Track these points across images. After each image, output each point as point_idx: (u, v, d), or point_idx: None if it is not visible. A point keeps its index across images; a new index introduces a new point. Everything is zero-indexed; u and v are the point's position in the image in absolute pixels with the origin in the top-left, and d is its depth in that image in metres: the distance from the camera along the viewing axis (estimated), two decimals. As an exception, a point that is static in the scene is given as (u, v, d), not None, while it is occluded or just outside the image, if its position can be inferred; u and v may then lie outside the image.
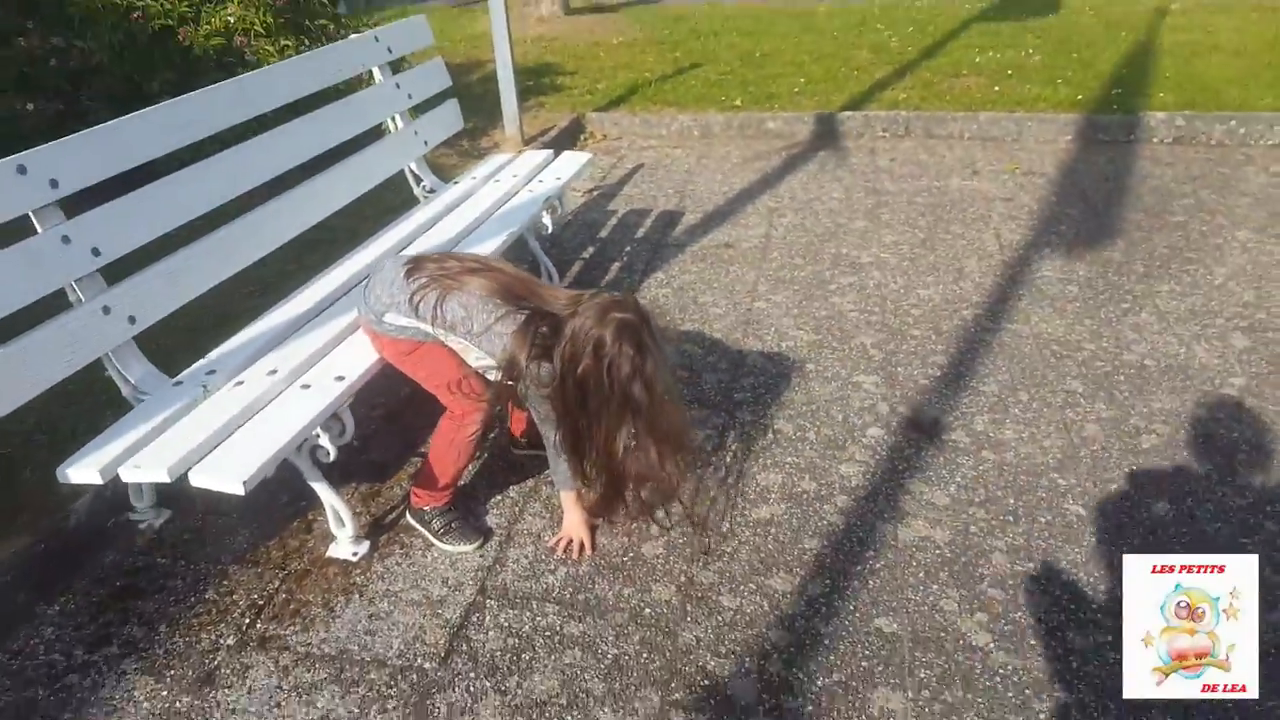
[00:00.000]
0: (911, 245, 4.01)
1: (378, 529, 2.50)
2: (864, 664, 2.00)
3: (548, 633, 2.13)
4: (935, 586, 2.18)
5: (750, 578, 2.25)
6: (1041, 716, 1.85)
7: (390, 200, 3.85)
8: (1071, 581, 2.17)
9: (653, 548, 2.37)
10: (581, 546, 2.37)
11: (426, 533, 2.43)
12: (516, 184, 3.58)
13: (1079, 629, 2.04)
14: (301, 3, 4.75)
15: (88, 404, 2.79)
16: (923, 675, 1.96)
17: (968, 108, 5.52)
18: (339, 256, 3.01)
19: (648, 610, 2.17)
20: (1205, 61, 6.14)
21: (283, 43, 4.65)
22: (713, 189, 4.85)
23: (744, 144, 5.58)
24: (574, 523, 2.38)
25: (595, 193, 4.95)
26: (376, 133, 3.51)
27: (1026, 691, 1.91)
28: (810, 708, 1.90)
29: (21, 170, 2.13)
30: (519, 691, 1.98)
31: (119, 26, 4.41)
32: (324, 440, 2.26)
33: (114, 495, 2.52)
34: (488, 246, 3.03)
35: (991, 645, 2.02)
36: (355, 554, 2.39)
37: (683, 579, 2.26)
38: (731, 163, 5.26)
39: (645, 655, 2.05)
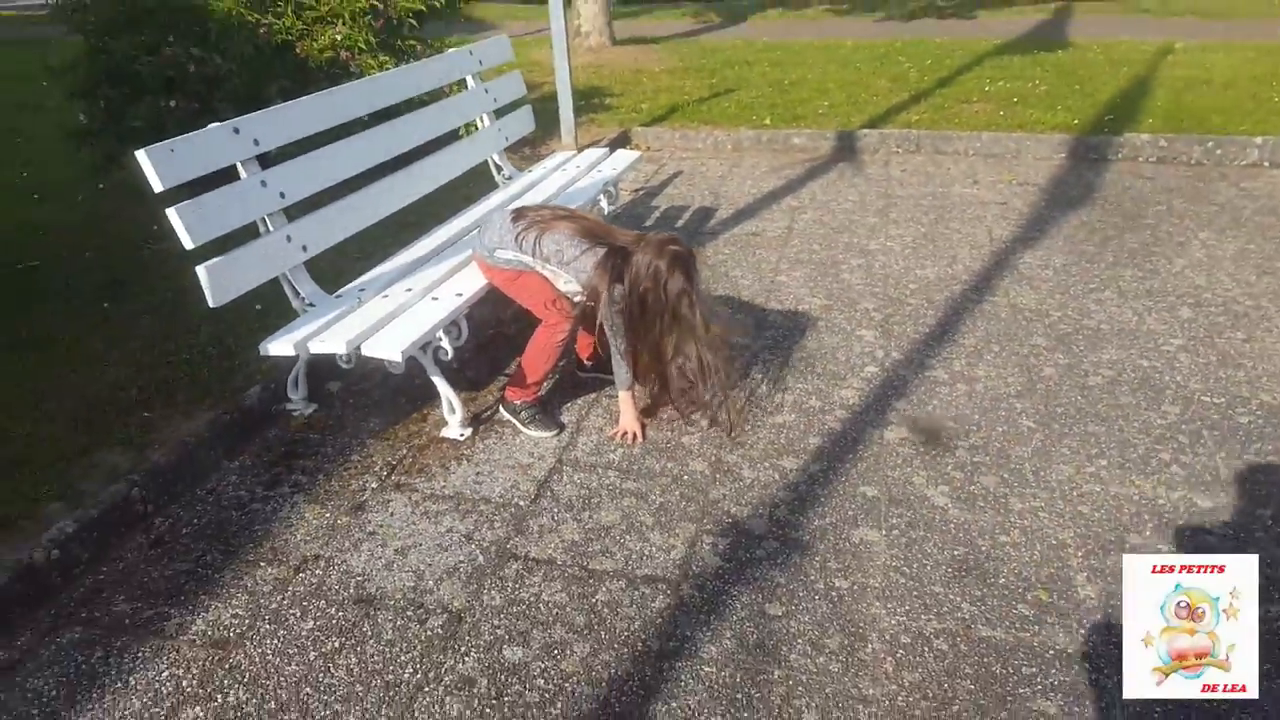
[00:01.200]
0: (914, 237, 4.69)
1: (476, 422, 3.20)
2: (850, 514, 2.66)
3: (610, 488, 2.81)
4: (909, 469, 2.84)
5: (765, 459, 2.92)
6: (981, 547, 2.50)
7: (477, 183, 4.59)
8: (1017, 469, 2.82)
9: (690, 438, 3.05)
10: (635, 436, 3.05)
11: (516, 421, 3.13)
12: (579, 173, 4.33)
13: (1020, 496, 2.69)
14: (394, 25, 5.55)
15: (245, 326, 3.55)
16: (894, 521, 2.62)
17: (974, 129, 6.21)
18: (446, 218, 3.76)
19: (685, 477, 2.85)
20: (1196, 93, 6.79)
21: (381, 58, 5.45)
22: (743, 191, 5.57)
23: (771, 156, 6.30)
24: (629, 418, 3.06)
25: (640, 193, 5.68)
26: (469, 129, 4.27)
27: (973, 534, 2.56)
28: (807, 538, 2.57)
29: (235, 131, 2.89)
30: (590, 520, 2.66)
31: (249, 40, 5.22)
32: (444, 342, 2.98)
33: (276, 390, 3.25)
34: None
35: (949, 505, 2.68)
36: (462, 435, 3.09)
37: (713, 458, 2.94)
38: (760, 171, 5.97)
39: (683, 503, 2.73)
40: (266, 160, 3.04)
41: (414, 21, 5.65)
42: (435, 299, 2.99)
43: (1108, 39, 9.17)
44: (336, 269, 3.53)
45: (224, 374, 3.36)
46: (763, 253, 4.58)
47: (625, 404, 3.07)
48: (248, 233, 2.97)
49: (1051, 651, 2.15)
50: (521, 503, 2.76)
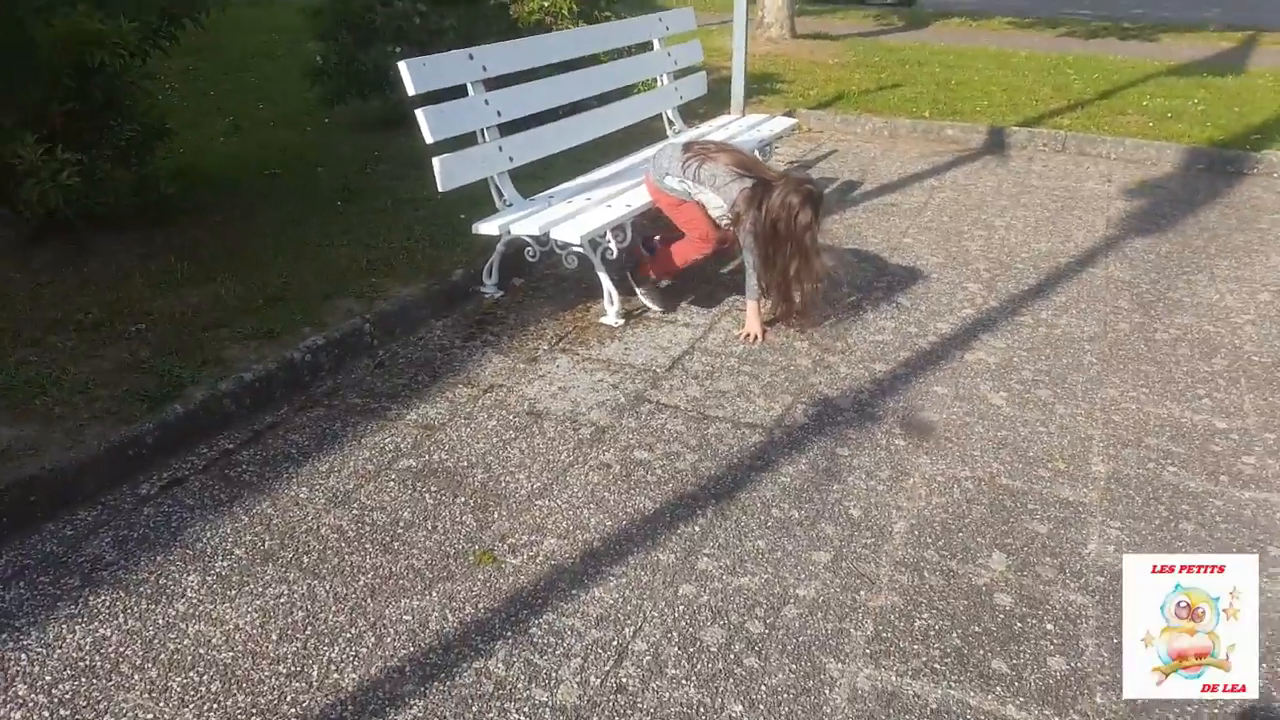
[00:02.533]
0: (1038, 219, 5.14)
1: (629, 316, 3.97)
2: (919, 402, 3.27)
3: (730, 369, 3.52)
4: (979, 382, 3.41)
5: (861, 362, 3.56)
6: (1021, 433, 3.06)
7: (650, 134, 5.38)
8: (1070, 388, 3.34)
9: (801, 343, 3.72)
10: (756, 338, 3.73)
11: (637, 286, 3.91)
12: (740, 129, 5.05)
13: (1065, 404, 3.22)
14: (593, -3, 6.45)
15: (451, 226, 4.46)
16: (954, 411, 3.21)
17: (1121, 135, 6.51)
18: (620, 156, 4.57)
19: (791, 368, 3.53)
20: (1359, 122, 6.81)
21: (579, 24, 6.34)
22: (890, 170, 6.12)
23: (924, 144, 6.80)
24: (754, 323, 3.74)
25: (795, 164, 6.32)
26: (647, 85, 5.08)
27: (1018, 425, 3.12)
28: (880, 413, 3.19)
29: (470, 57, 3.78)
30: (710, 386, 3.38)
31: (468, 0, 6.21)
32: (611, 243, 3.76)
33: (474, 274, 4.13)
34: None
35: (1004, 404, 3.24)
36: (618, 322, 3.87)
37: (817, 356, 3.60)
38: (910, 156, 6.50)
39: (785, 381, 3.41)
40: (492, 84, 3.91)
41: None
42: (609, 206, 3.78)
43: (1289, 67, 9.06)
44: (536, 179, 4.39)
45: (434, 259, 4.27)
46: (896, 220, 5.16)
47: (751, 312, 3.75)
48: (470, 141, 3.85)
49: (1055, 498, 2.71)
50: (658, 370, 3.51)
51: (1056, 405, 3.24)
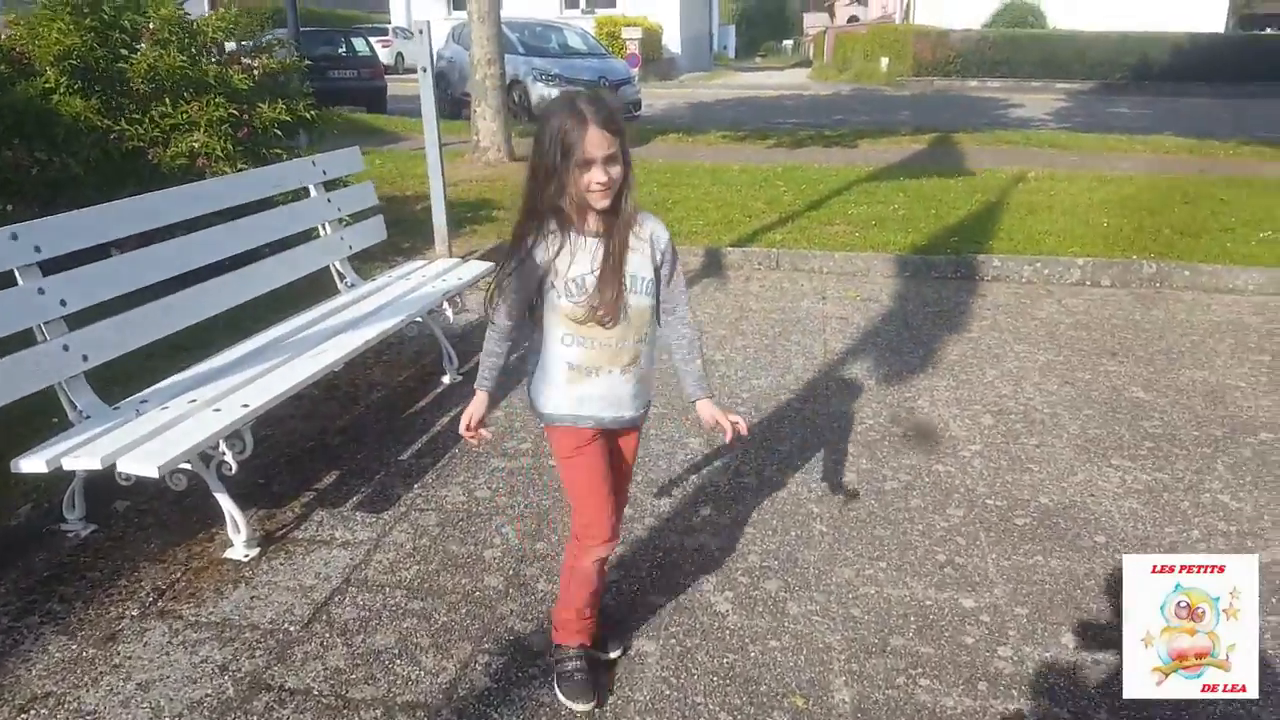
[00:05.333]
0: (758, 349, 4.79)
1: (269, 541, 3.06)
2: (632, 625, 2.60)
3: (393, 609, 2.70)
4: (703, 580, 2.81)
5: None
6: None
7: (321, 288, 4.54)
8: (801, 574, 2.81)
9: (494, 550, 2.97)
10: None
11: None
12: (423, 280, 4.35)
13: (796, 597, 2.67)
14: (259, 134, 5.58)
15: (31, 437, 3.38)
16: (673, 632, 2.56)
17: (831, 248, 6.48)
18: (275, 322, 3.71)
19: (477, 594, 2.76)
20: (1037, 218, 7.24)
21: (240, 166, 5.46)
22: (604, 304, 5.64)
23: (640, 271, 6.44)
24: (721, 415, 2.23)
25: (503, 305, 5.71)
26: (311, 235, 4.27)
27: (746, 639, 2.52)
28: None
29: (14, 237, 2.83)
30: (362, 644, 2.54)
31: (98, 145, 5.19)
32: (228, 456, 2.88)
33: (51, 507, 3.08)
34: (388, 325, 3.74)
35: (731, 612, 2.64)
36: (247, 555, 2.95)
37: (511, 570, 2.86)
38: (625, 285, 6.08)
39: (467, 619, 2.64)
40: (54, 266, 2.96)
41: (279, 131, 5.71)
42: (217, 410, 2.90)
43: (972, 167, 9.77)
44: (135, 377, 3.42)
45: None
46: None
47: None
48: (28, 340, 2.86)
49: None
50: (291, 628, 2.61)
51: (789, 603, 2.68)
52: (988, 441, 3.69)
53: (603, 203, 1.98)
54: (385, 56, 18.83)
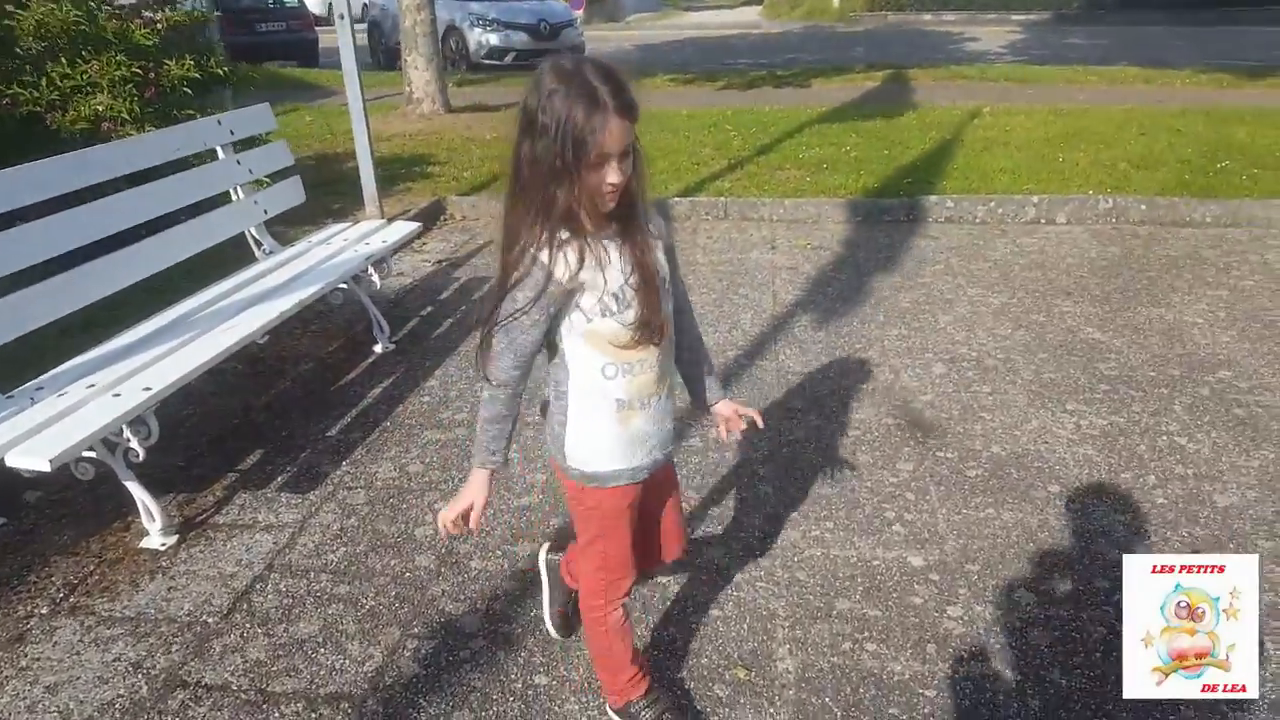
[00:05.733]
0: (706, 304, 4.64)
1: (189, 527, 2.89)
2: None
3: (318, 594, 2.56)
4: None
5: (500, 546, 2.73)
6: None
7: (239, 256, 4.30)
8: (745, 539, 2.71)
9: (425, 528, 2.84)
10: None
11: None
12: (345, 245, 4.12)
13: (740, 564, 2.57)
14: (169, 94, 5.25)
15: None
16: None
17: (781, 195, 6.31)
18: (178, 299, 3.48)
19: (407, 575, 2.63)
20: (991, 155, 7.12)
21: (149, 129, 5.14)
22: (548, 260, 5.45)
23: (586, 224, 6.23)
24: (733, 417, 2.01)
25: (444, 263, 5.50)
26: (222, 200, 4.02)
27: (688, 608, 2.42)
28: (518, 631, 2.37)
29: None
30: (285, 633, 2.40)
31: (-13, 110, 4.83)
32: (133, 442, 2.69)
33: (-47, 503, 2.88)
34: (307, 293, 3.53)
35: (675, 580, 2.53)
36: (164, 544, 2.79)
37: (444, 550, 2.73)
38: (571, 239, 5.88)
39: (396, 601, 2.50)
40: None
41: (188, 90, 5.38)
42: (117, 395, 2.70)
43: (926, 104, 9.60)
44: (35, 352, 3.20)
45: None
46: (550, 324, 4.44)
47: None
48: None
49: None
50: (210, 620, 2.47)
51: (732, 570, 2.58)
52: (939, 391, 3.59)
53: (613, 204, 1.60)
54: (315, 7, 18.02)
